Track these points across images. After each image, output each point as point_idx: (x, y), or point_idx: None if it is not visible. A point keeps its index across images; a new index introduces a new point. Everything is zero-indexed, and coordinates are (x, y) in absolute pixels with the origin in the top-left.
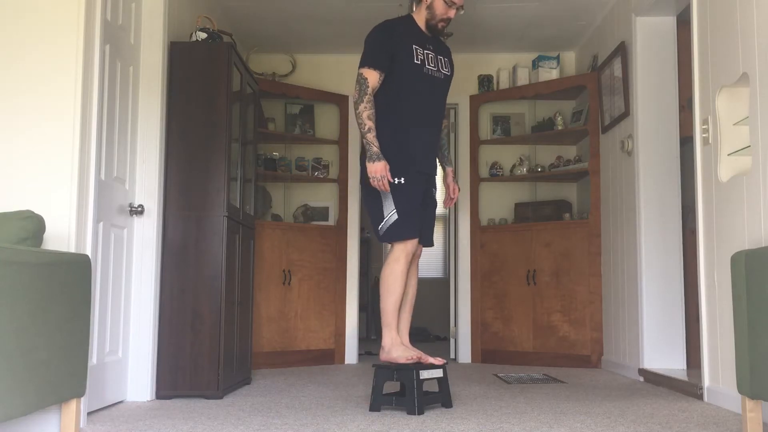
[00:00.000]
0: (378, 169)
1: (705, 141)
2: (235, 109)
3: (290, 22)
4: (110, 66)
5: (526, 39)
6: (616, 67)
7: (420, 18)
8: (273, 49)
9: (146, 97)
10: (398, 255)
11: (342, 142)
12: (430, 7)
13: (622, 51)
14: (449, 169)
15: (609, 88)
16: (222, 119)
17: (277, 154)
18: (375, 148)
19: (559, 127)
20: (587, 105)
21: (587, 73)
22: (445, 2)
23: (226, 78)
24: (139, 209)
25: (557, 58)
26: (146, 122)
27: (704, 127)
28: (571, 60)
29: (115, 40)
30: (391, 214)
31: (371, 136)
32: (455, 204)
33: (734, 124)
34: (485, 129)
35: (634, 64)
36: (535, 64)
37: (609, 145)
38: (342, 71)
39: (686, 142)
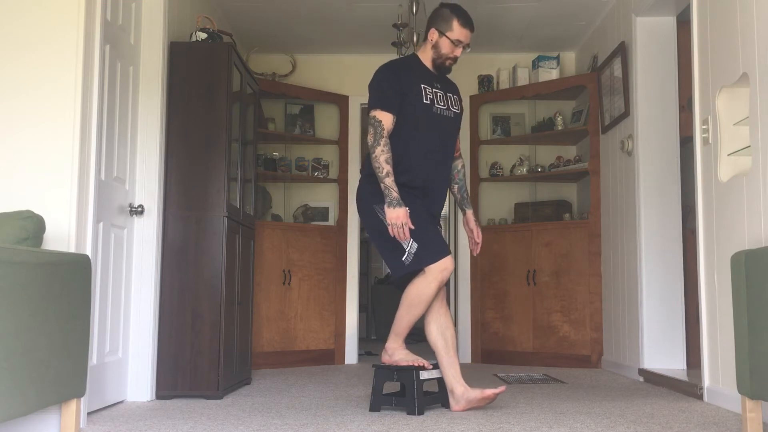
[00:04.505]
0: (399, 216)
1: (705, 141)
2: (235, 109)
3: (290, 22)
4: (110, 66)
5: (526, 39)
6: (616, 67)
7: (426, 57)
8: (273, 49)
9: (146, 97)
10: (432, 278)
11: (342, 142)
12: (436, 47)
13: (622, 51)
14: (469, 212)
15: (609, 88)
16: (222, 119)
17: (277, 154)
18: (395, 194)
19: (559, 127)
20: (587, 105)
21: (587, 73)
22: (452, 42)
23: (226, 78)
24: (139, 209)
25: (557, 58)
26: (146, 122)
27: (704, 127)
28: (571, 60)
29: (115, 40)
30: (410, 243)
31: (390, 181)
32: (455, 204)
33: (734, 124)
34: (485, 129)
35: (634, 65)
36: (535, 64)
37: (609, 145)
38: (342, 71)
39: (686, 142)
